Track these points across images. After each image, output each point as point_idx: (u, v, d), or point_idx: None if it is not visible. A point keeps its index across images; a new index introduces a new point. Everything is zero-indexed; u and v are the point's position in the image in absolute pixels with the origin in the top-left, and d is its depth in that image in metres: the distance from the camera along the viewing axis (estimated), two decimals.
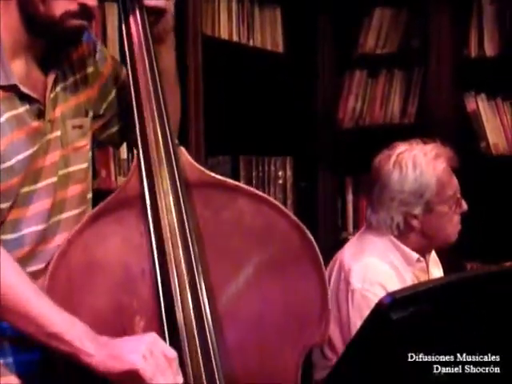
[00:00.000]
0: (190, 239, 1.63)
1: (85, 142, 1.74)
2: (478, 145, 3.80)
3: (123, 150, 3.03)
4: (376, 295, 2.31)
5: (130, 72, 1.71)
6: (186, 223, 1.64)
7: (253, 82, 3.82)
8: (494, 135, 3.78)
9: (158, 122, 1.68)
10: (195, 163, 1.72)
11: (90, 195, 1.79)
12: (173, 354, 1.55)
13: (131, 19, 1.72)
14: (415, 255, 2.46)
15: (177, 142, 1.71)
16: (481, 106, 3.80)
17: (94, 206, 1.78)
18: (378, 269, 2.42)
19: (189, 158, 1.71)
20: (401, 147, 2.49)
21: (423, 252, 2.51)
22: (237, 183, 1.74)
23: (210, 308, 1.62)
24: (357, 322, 2.34)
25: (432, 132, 3.75)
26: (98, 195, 1.88)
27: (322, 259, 1.68)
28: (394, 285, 2.39)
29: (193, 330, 1.60)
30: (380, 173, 2.48)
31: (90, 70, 1.77)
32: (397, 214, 2.43)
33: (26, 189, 1.63)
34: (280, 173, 4.01)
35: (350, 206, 4.16)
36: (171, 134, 1.69)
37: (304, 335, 1.65)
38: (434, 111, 3.79)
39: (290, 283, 1.67)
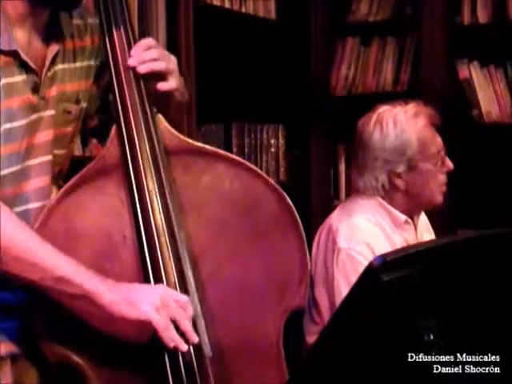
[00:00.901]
0: (170, 205, 1.65)
1: (70, 129, 1.74)
2: (471, 113, 3.79)
3: None
4: (361, 254, 2.35)
5: (107, 40, 1.70)
6: (166, 189, 1.65)
7: (245, 50, 3.80)
8: (487, 103, 3.78)
9: (135, 91, 1.69)
10: (174, 130, 1.73)
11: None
12: (184, 298, 1.57)
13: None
14: (403, 217, 2.48)
15: (155, 110, 1.71)
16: (473, 73, 3.79)
17: None
18: (364, 229, 2.44)
19: (167, 125, 1.72)
20: (382, 108, 2.52)
21: (411, 214, 2.53)
22: (215, 149, 1.75)
23: (192, 272, 1.64)
24: (340, 281, 2.38)
25: (424, 100, 3.75)
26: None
27: (300, 223, 1.70)
28: (381, 246, 2.41)
29: (177, 291, 1.60)
30: (362, 135, 2.51)
31: (92, 62, 1.78)
32: (381, 174, 2.45)
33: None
34: (272, 141, 4.01)
35: (343, 174, 4.16)
36: (149, 102, 1.70)
37: (285, 298, 1.67)
38: (427, 79, 3.78)
39: (269, 247, 1.69)
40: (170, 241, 1.62)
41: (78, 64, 1.75)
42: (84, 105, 1.76)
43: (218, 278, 1.67)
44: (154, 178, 1.65)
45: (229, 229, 1.69)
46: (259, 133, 3.95)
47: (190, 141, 1.74)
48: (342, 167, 4.16)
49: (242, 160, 1.74)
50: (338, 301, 2.30)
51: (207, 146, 1.74)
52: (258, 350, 1.67)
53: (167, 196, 1.65)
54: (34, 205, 1.67)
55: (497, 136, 3.72)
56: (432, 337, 1.16)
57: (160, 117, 1.72)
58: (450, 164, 2.50)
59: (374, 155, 2.47)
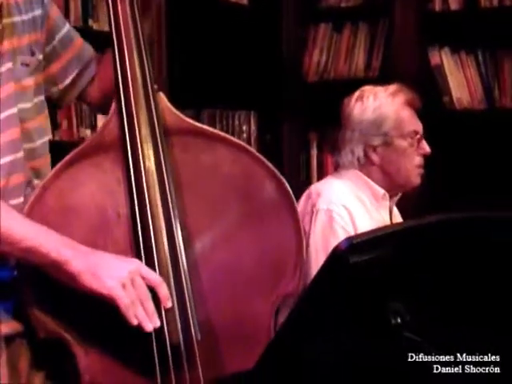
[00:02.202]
0: (167, 184, 1.65)
1: (31, 82, 1.72)
2: (442, 99, 3.81)
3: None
4: (340, 215, 2.39)
5: (111, 10, 1.70)
6: (164, 168, 1.65)
7: (217, 35, 3.79)
8: (458, 89, 3.79)
9: (138, 69, 1.68)
10: (174, 110, 1.72)
11: (41, 140, 1.77)
12: (158, 279, 1.56)
13: None
14: (381, 190, 2.52)
15: (156, 87, 1.70)
16: (445, 59, 3.80)
17: (55, 158, 1.76)
18: (344, 193, 2.49)
19: (168, 104, 1.72)
20: (366, 86, 2.60)
21: (389, 193, 2.56)
22: (216, 131, 1.75)
23: (185, 252, 1.64)
24: (317, 242, 2.43)
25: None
26: (60, 147, 1.86)
27: (298, 209, 1.70)
28: (360, 215, 2.45)
29: (168, 272, 1.61)
30: (344, 110, 2.57)
31: (38, 12, 1.75)
32: (357, 147, 2.52)
33: None
34: (244, 127, 4.00)
35: (315, 160, 4.16)
36: (151, 80, 1.69)
37: (278, 284, 1.67)
38: (399, 65, 3.79)
39: (265, 232, 1.69)
40: (165, 220, 1.62)
41: (25, 16, 1.71)
42: (40, 56, 1.75)
43: (212, 258, 1.67)
44: (152, 157, 1.65)
45: (225, 211, 1.69)
46: (231, 119, 3.94)
47: (191, 121, 1.73)
48: (314, 152, 4.17)
49: (243, 143, 1.74)
50: (314, 268, 2.31)
51: (208, 128, 1.74)
52: (248, 334, 1.66)
53: (164, 175, 1.65)
54: (5, 159, 1.64)
55: (467, 122, 3.73)
56: (399, 320, 1.16)
57: (161, 95, 1.71)
58: (426, 147, 2.55)
59: (352, 127, 2.53)
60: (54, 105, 1.91)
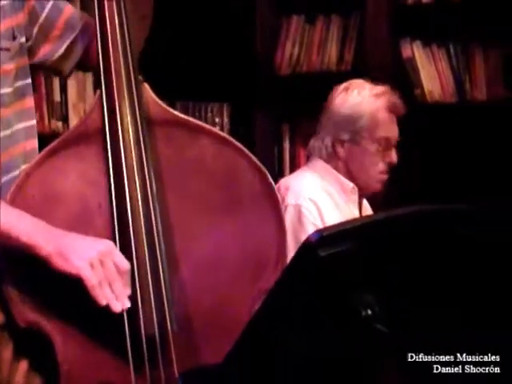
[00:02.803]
0: (147, 176, 1.64)
1: (11, 66, 1.71)
2: (414, 92, 3.82)
3: (56, 93, 2.98)
4: (308, 210, 2.40)
5: (97, 11, 1.70)
6: (145, 160, 1.65)
7: (189, 28, 3.78)
8: (429, 82, 3.81)
9: (121, 59, 1.67)
10: (159, 101, 1.72)
11: (22, 124, 1.76)
12: (125, 265, 1.56)
13: None
14: (350, 183, 2.52)
15: (141, 78, 1.70)
16: (416, 52, 3.82)
17: None
18: (313, 188, 2.49)
19: (152, 95, 1.72)
20: (358, 80, 2.63)
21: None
22: (200, 123, 1.75)
23: (165, 244, 1.64)
24: (287, 237, 2.41)
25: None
26: None
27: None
28: (328, 209, 2.46)
29: (145, 263, 1.62)
30: (329, 98, 2.61)
31: None
32: (327, 136, 2.53)
33: None
34: (217, 119, 4.00)
35: (287, 153, 4.16)
36: (135, 70, 1.69)
37: (259, 278, 1.67)
38: (371, 58, 3.80)
39: (248, 225, 1.69)
40: (144, 212, 1.62)
41: (2, 2, 1.70)
42: (22, 39, 1.73)
43: (193, 252, 1.67)
44: (133, 148, 1.64)
45: (208, 204, 1.69)
46: (203, 111, 3.93)
47: (175, 112, 1.73)
48: (287, 145, 4.17)
49: (227, 136, 1.74)
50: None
51: (192, 119, 1.74)
52: (227, 327, 1.65)
53: (145, 167, 1.65)
54: None
55: (439, 115, 3.75)
56: (369, 312, 1.17)
57: (146, 86, 1.71)
58: (394, 157, 2.55)
59: (328, 115, 2.56)
60: None
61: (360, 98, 2.52)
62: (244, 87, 4.09)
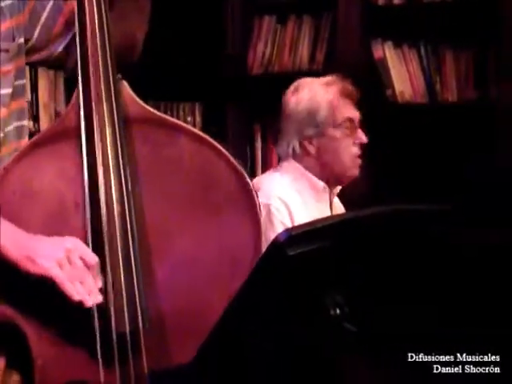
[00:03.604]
0: (123, 174, 1.64)
1: (10, 67, 1.71)
2: (385, 92, 3.84)
3: (27, 92, 2.96)
4: (278, 210, 2.42)
5: (76, 8, 1.70)
6: (121, 159, 1.65)
7: (161, 26, 3.77)
8: (400, 83, 3.83)
9: (100, 56, 1.67)
10: (137, 99, 1.71)
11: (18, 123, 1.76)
12: (93, 259, 1.57)
13: None
14: (321, 183, 2.54)
15: (120, 76, 1.69)
16: (387, 53, 3.83)
17: None
18: (283, 188, 2.51)
19: (131, 93, 1.71)
20: (302, 79, 2.67)
21: (328, 185, 2.58)
22: (178, 122, 1.75)
23: (140, 244, 1.65)
24: None
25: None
26: None
27: (258, 203, 1.70)
28: (298, 208, 2.47)
29: (119, 260, 1.62)
30: (283, 102, 2.63)
31: None
32: (293, 138, 2.55)
33: None
34: (189, 118, 4.00)
35: (259, 152, 4.17)
36: (113, 68, 1.68)
37: (235, 279, 1.66)
38: (342, 58, 3.81)
39: (224, 225, 1.69)
40: (119, 211, 1.62)
41: (2, 3, 1.72)
42: (20, 40, 1.74)
43: (169, 251, 1.67)
44: (110, 147, 1.64)
45: (184, 203, 1.69)
46: (175, 110, 3.93)
47: (153, 110, 1.73)
48: (259, 145, 4.18)
49: (204, 135, 1.73)
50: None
51: (170, 118, 1.74)
52: (201, 328, 1.64)
53: (121, 165, 1.64)
54: None
55: (409, 116, 3.77)
56: (338, 311, 1.17)
57: (124, 83, 1.71)
58: (363, 137, 2.57)
59: (288, 119, 2.58)
60: None
61: (312, 91, 2.57)
62: (216, 87, 4.09)
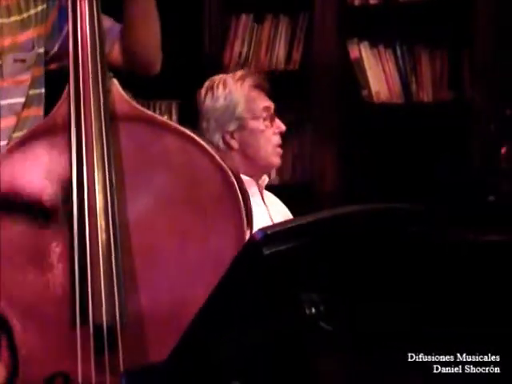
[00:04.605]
0: (108, 171, 1.65)
1: (26, 77, 1.74)
2: (361, 92, 3.85)
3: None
4: None
5: (70, 6, 1.71)
6: (106, 155, 1.65)
7: None
8: (376, 83, 3.84)
9: (89, 53, 1.68)
10: (126, 96, 1.73)
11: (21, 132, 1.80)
12: None
13: None
14: (246, 177, 2.58)
15: (111, 74, 1.71)
16: (364, 53, 3.85)
17: None
18: None
19: (120, 90, 1.72)
20: (214, 76, 2.76)
21: (254, 178, 2.65)
22: (166, 120, 1.78)
23: (122, 240, 1.65)
24: None
25: (316, 79, 3.80)
26: None
27: (242, 203, 1.71)
28: None
29: (99, 253, 1.63)
30: (198, 102, 2.74)
31: (39, 8, 1.79)
32: (215, 135, 2.61)
33: None
34: (165, 116, 3.99)
35: None
36: (103, 65, 1.69)
37: (216, 279, 1.66)
38: (319, 58, 3.82)
39: (209, 225, 1.69)
40: (103, 206, 1.64)
41: (25, 14, 1.77)
42: (40, 50, 1.76)
43: (151, 248, 1.67)
44: (96, 143, 1.65)
45: (169, 201, 1.69)
46: (152, 109, 3.92)
47: (141, 108, 1.74)
48: None
49: (192, 134, 1.73)
50: None
51: (158, 116, 1.76)
52: (181, 326, 1.63)
53: (105, 163, 1.65)
54: None
55: (385, 116, 3.79)
56: (314, 310, 1.18)
57: (114, 81, 1.72)
58: (281, 125, 2.68)
59: (207, 117, 2.67)
60: None
61: (227, 88, 2.64)
62: (192, 85, 4.08)
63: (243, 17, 4.09)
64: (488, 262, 1.24)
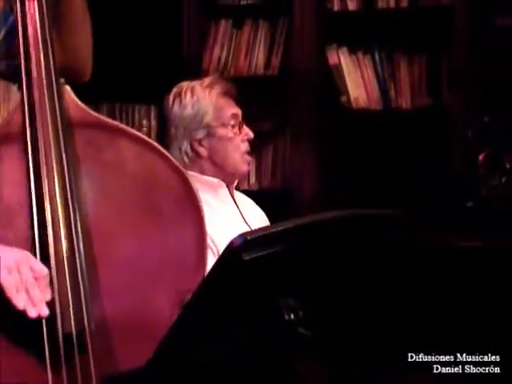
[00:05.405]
0: (67, 177, 1.64)
1: None
2: (340, 98, 3.86)
3: None
4: None
5: (19, 10, 1.69)
6: (65, 162, 1.65)
7: (115, 30, 3.76)
8: (355, 89, 3.85)
9: (42, 60, 1.68)
10: (80, 103, 1.72)
11: None
12: (43, 270, 1.57)
13: None
14: (214, 179, 2.59)
15: (62, 80, 1.70)
16: (342, 59, 3.85)
17: None
18: None
19: (73, 97, 1.72)
20: (183, 82, 2.72)
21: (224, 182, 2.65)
22: (121, 125, 1.76)
23: (84, 246, 1.65)
24: None
25: (295, 84, 3.81)
26: None
27: (201, 206, 1.71)
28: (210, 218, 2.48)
29: (63, 263, 1.62)
30: (165, 108, 2.69)
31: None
32: (183, 143, 2.62)
33: None
34: (144, 121, 3.99)
35: None
36: (55, 72, 1.69)
37: (179, 281, 1.67)
38: (298, 64, 3.83)
39: (167, 228, 1.70)
40: (63, 213, 1.63)
41: None
42: None
43: (112, 254, 1.68)
44: (53, 150, 1.64)
45: (128, 206, 1.69)
46: (130, 113, 3.92)
47: (96, 114, 1.74)
48: None
49: (147, 138, 1.74)
50: None
51: (113, 121, 1.75)
52: (147, 331, 1.65)
53: (65, 170, 1.65)
54: None
55: (364, 122, 3.80)
56: (292, 316, 1.18)
57: (67, 88, 1.71)
58: (249, 132, 2.69)
59: (175, 125, 2.63)
60: None
61: (195, 96, 2.63)
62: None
63: (222, 22, 4.09)
64: (468, 266, 1.24)
